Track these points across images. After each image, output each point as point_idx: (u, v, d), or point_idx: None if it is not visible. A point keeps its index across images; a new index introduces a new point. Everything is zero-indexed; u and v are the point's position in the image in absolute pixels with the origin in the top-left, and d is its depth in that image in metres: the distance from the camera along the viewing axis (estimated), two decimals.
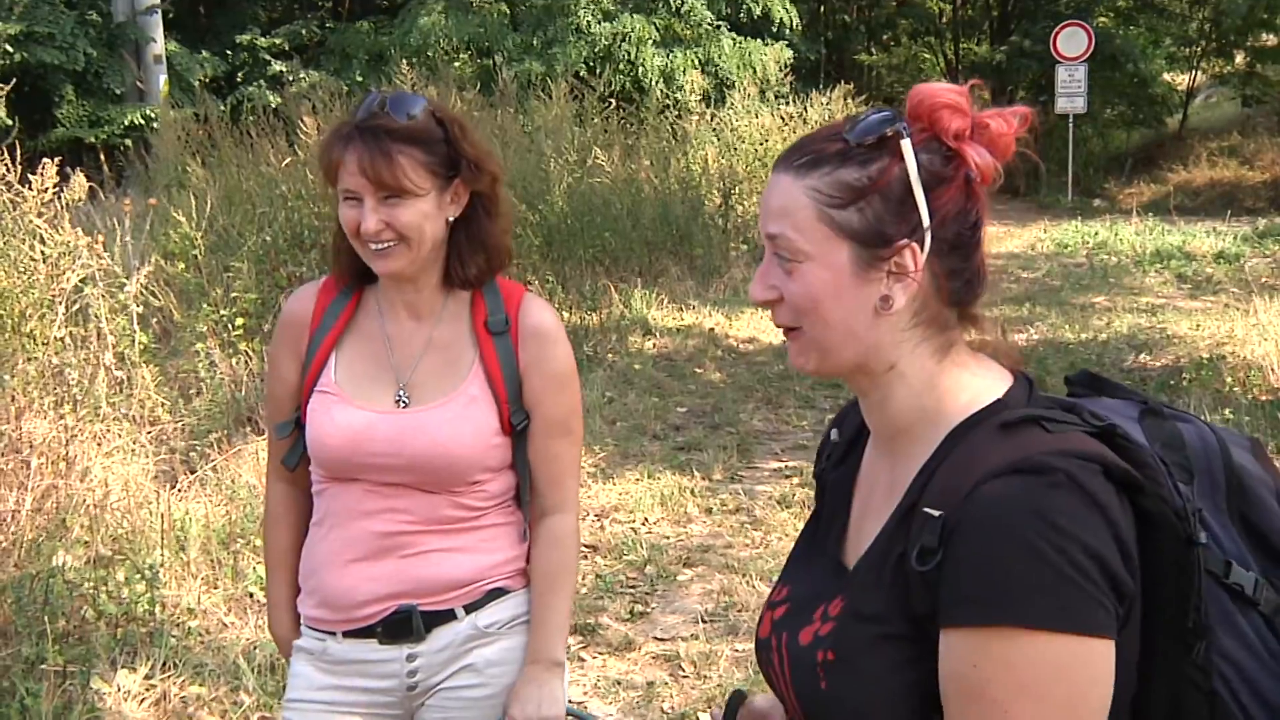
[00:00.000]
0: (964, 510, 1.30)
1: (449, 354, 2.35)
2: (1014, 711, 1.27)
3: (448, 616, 2.33)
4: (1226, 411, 7.53)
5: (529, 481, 2.39)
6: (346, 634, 2.34)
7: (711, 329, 11.39)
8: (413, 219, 2.22)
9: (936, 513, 1.33)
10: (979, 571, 1.28)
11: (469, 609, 2.34)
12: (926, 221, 1.40)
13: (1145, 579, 1.31)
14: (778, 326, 1.49)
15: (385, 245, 2.23)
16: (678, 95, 18.42)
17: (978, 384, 1.46)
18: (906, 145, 1.40)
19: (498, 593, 2.36)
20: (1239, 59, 29.77)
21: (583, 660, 4.89)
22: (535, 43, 20.93)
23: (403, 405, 2.32)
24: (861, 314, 1.42)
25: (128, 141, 16.57)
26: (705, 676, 4.81)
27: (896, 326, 1.43)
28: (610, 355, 10.17)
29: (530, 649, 2.35)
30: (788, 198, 1.43)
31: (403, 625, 2.31)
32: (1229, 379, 8.57)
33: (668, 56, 21.06)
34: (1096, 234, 18.22)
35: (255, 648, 4.69)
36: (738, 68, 21.21)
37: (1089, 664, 1.27)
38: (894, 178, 1.40)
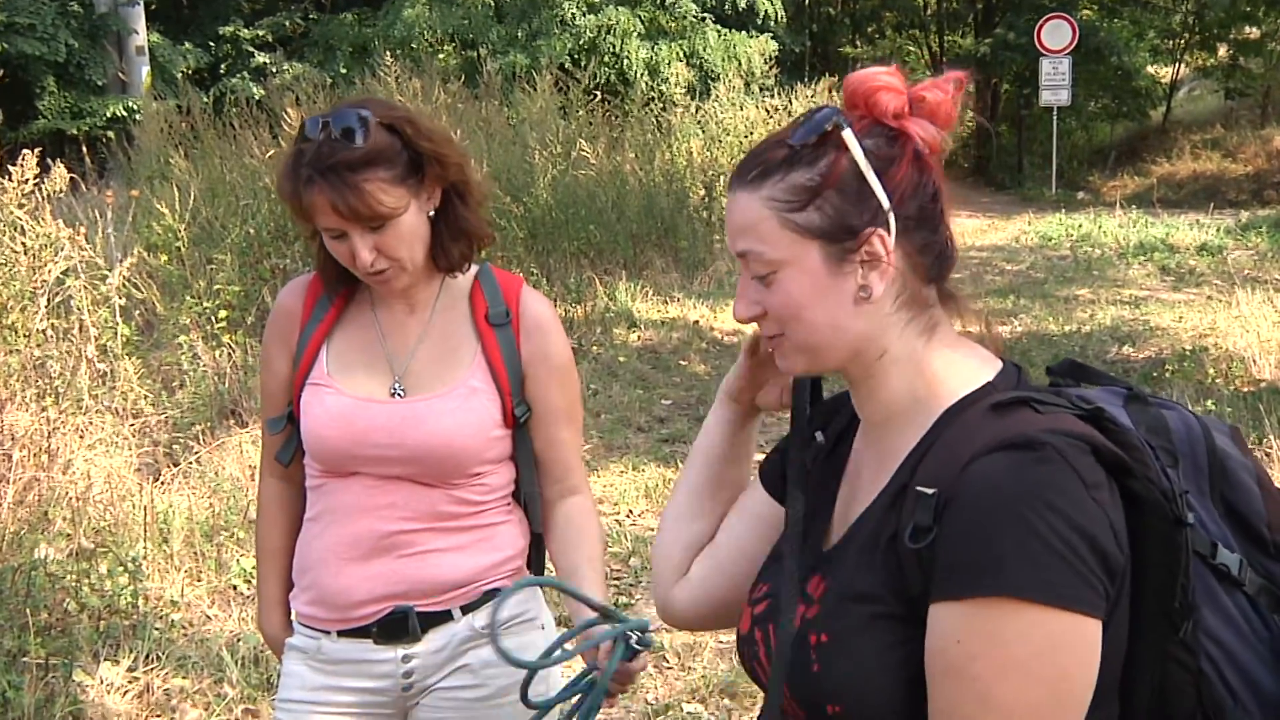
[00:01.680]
0: (957, 486, 1.31)
1: (448, 345, 2.33)
2: (997, 688, 1.26)
3: (444, 617, 2.31)
4: (1209, 403, 7.56)
5: (539, 472, 2.38)
6: (341, 633, 2.33)
7: (696, 321, 11.38)
8: (402, 240, 2.20)
9: (930, 491, 1.33)
10: (970, 544, 1.28)
11: (465, 610, 2.32)
12: (886, 204, 1.41)
13: (1133, 560, 1.31)
14: (768, 338, 1.49)
15: (383, 271, 2.22)
16: (662, 88, 18.37)
17: (967, 367, 1.46)
18: (849, 135, 1.41)
19: (495, 593, 2.34)
20: (1222, 52, 29.89)
21: (566, 650, 4.87)
22: (520, 35, 20.88)
23: (398, 395, 2.30)
24: (844, 308, 1.42)
25: (110, 133, 16.51)
26: (689, 668, 4.81)
27: (880, 312, 1.44)
28: (595, 348, 10.17)
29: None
30: (748, 213, 1.44)
31: (399, 626, 2.29)
32: (1211, 370, 8.60)
33: (652, 49, 21.03)
34: (1080, 226, 18.27)
35: (239, 640, 4.68)
36: (722, 60, 21.17)
37: (1076, 643, 1.27)
38: (844, 169, 1.40)
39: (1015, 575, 1.25)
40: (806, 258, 1.41)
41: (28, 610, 4.40)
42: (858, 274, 1.41)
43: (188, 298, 7.85)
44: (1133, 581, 1.32)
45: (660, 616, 1.84)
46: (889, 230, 1.41)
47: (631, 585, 5.66)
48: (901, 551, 1.34)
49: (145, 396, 6.57)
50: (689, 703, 4.55)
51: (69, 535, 5.07)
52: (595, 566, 2.34)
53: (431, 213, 2.27)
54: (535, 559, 2.47)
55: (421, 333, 2.34)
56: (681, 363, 10.06)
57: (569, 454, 2.40)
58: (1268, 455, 6.28)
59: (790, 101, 18.09)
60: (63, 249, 6.09)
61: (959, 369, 1.46)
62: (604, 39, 20.71)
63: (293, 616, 2.44)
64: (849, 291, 1.42)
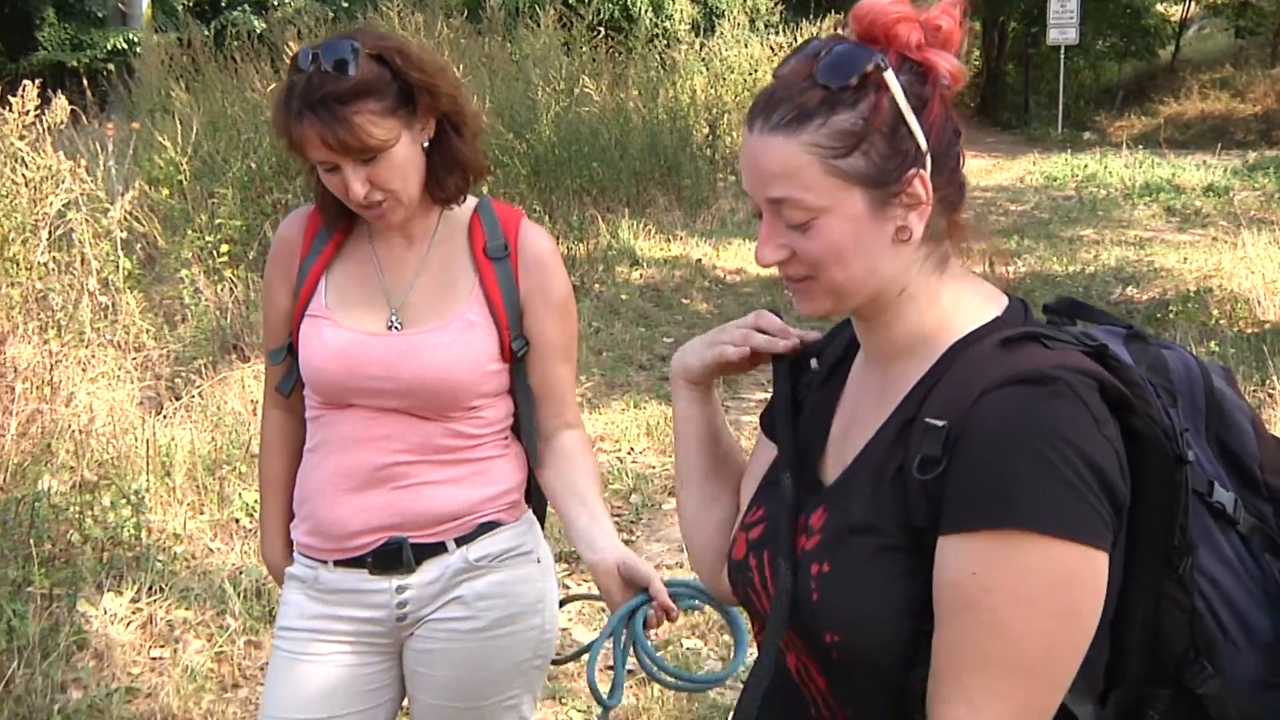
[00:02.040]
0: (969, 419, 1.31)
1: (446, 278, 2.32)
2: (1009, 619, 1.27)
3: (438, 549, 2.32)
4: (1212, 344, 7.55)
5: (533, 408, 2.38)
6: (337, 563, 2.34)
7: (699, 260, 11.36)
8: (394, 172, 2.19)
9: (940, 423, 1.33)
10: (984, 477, 1.28)
11: (460, 542, 2.32)
12: (924, 144, 1.39)
13: (1133, 498, 1.31)
14: (790, 279, 1.46)
15: (378, 205, 2.21)
16: (667, 24, 18.25)
17: (975, 302, 1.46)
18: (890, 77, 1.37)
19: (490, 526, 2.35)
20: None
21: (567, 587, 4.91)
22: None
23: (395, 329, 2.30)
24: (883, 251, 1.40)
25: (110, 66, 16.37)
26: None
27: (910, 250, 1.42)
28: (597, 285, 10.15)
29: (605, 534, 2.23)
30: (786, 159, 1.38)
31: (393, 557, 2.30)
32: (1215, 312, 8.59)
33: None
34: (1086, 167, 18.21)
35: (241, 573, 4.71)
36: None
37: (1087, 574, 1.28)
38: (886, 112, 1.37)
39: (1030, 508, 1.26)
40: (849, 203, 1.38)
41: (31, 541, 4.43)
42: (897, 216, 1.39)
43: (189, 232, 7.83)
44: (1130, 519, 1.32)
45: (719, 599, 1.83)
46: (927, 170, 1.39)
47: (633, 522, 5.69)
48: (908, 483, 1.34)
49: (147, 330, 6.57)
50: (689, 638, 4.59)
51: (72, 468, 5.09)
52: (594, 490, 2.34)
53: (425, 144, 2.25)
54: (534, 494, 2.48)
55: (419, 266, 2.33)
56: (684, 301, 10.06)
57: (563, 390, 2.40)
58: (1270, 396, 6.28)
59: (796, 38, 17.96)
60: (64, 181, 6.07)
61: (967, 303, 1.45)
62: None
63: (294, 548, 2.46)
64: (888, 234, 1.40)
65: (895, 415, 1.43)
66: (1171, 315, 8.63)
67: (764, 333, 1.65)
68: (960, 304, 1.45)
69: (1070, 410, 1.28)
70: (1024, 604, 1.27)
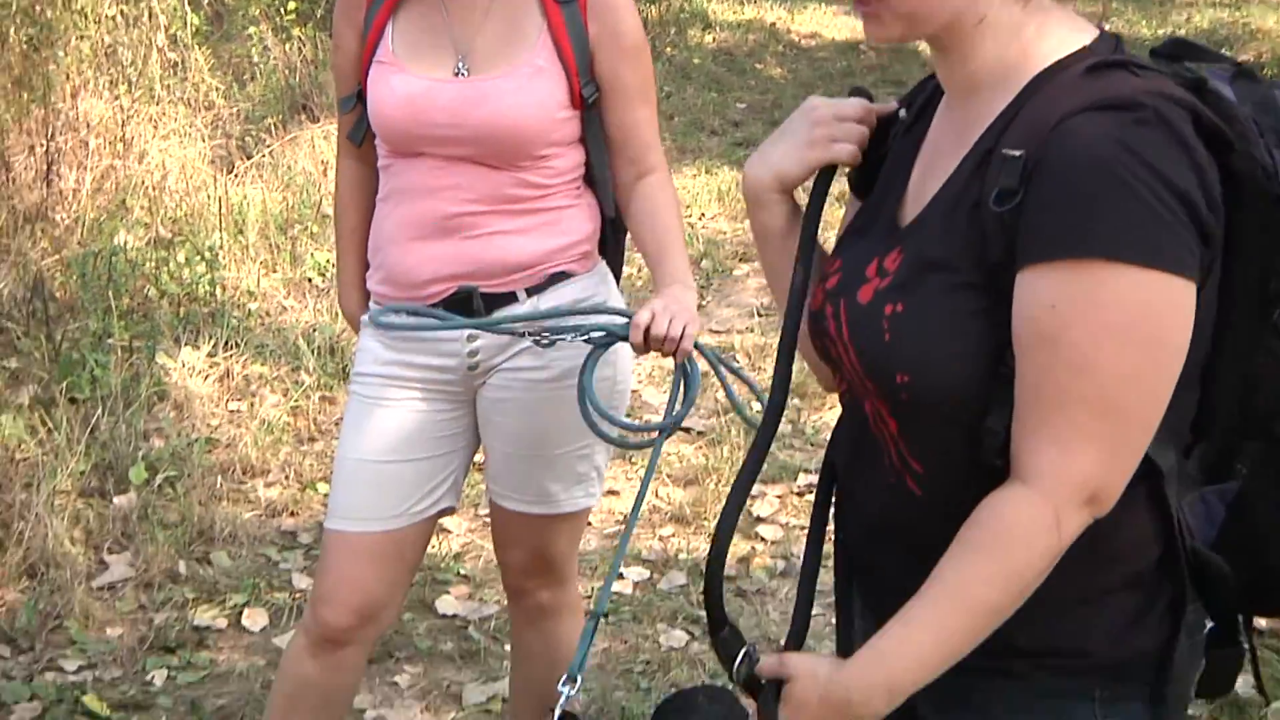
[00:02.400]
0: (1047, 147, 1.24)
1: (513, 23, 2.27)
2: (1092, 353, 1.23)
3: (509, 299, 2.31)
4: None
5: (614, 155, 2.34)
6: (410, 312, 2.35)
7: (773, 23, 11.09)
8: None
9: (1017, 153, 1.26)
10: (1062, 206, 1.22)
11: (530, 292, 2.32)
12: None
13: (1228, 239, 1.26)
14: (860, 2, 1.37)
15: None
16: None
17: (1061, 31, 1.37)
18: None
19: (561, 276, 2.33)
20: None
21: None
22: None
23: (462, 75, 2.25)
24: None
25: None
26: (760, 368, 4.86)
27: None
28: (669, 49, 9.94)
29: (662, 276, 2.26)
30: None
31: (464, 305, 2.30)
32: None
33: None
34: None
35: (315, 330, 4.77)
36: None
37: (1173, 304, 1.23)
38: None
39: (1110, 236, 1.20)
40: None
41: (110, 294, 4.51)
42: None
43: None
44: (1225, 261, 1.27)
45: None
46: None
47: (703, 287, 5.67)
48: (985, 216, 1.28)
49: (216, 88, 6.53)
50: (756, 400, 4.60)
51: (146, 224, 5.15)
52: (674, 237, 2.31)
53: None
54: (612, 242, 2.45)
55: (486, 11, 2.27)
56: (757, 66, 9.86)
57: (646, 132, 2.35)
58: None
59: None
60: None
61: (1052, 33, 1.36)
62: None
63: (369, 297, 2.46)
64: None
65: (975, 149, 1.36)
66: (1267, 78, 8.34)
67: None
68: (1045, 34, 1.36)
69: (1156, 136, 1.21)
70: (1107, 337, 1.22)
